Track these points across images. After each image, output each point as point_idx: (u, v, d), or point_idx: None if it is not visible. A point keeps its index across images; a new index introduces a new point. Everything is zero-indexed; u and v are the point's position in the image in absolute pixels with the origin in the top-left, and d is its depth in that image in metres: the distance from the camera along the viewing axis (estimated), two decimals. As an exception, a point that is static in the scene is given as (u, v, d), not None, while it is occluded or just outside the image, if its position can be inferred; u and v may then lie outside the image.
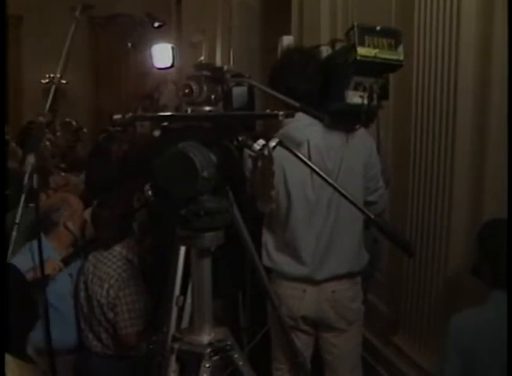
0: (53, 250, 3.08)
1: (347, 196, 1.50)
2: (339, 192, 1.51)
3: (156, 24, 6.66)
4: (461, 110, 2.72)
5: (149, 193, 1.51)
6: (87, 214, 3.49)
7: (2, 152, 2.97)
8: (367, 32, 1.87)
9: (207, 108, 1.57)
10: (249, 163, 2.33)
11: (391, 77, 2.18)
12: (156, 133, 1.56)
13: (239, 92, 1.62)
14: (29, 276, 2.71)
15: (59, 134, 9.20)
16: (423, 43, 2.92)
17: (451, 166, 2.79)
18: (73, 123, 9.17)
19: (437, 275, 2.91)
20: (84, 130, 9.46)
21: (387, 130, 3.31)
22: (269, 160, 1.50)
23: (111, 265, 3.01)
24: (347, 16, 3.95)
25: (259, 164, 2.22)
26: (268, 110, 1.55)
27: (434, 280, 2.93)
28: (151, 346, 2.17)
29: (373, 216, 1.43)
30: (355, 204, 1.51)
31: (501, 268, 2.10)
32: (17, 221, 3.03)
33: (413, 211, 3.07)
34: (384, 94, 2.02)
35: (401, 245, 1.45)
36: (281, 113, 1.45)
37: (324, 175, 1.50)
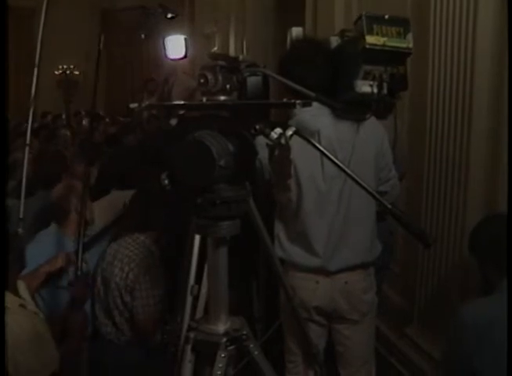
0: (67, 238, 3.09)
1: (365, 185, 1.48)
2: (356, 182, 1.50)
3: (169, 15, 6.64)
4: (477, 101, 2.70)
5: (166, 181, 1.51)
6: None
7: (2, 151, 2.98)
8: (375, 21, 1.85)
9: (222, 98, 1.56)
10: (261, 152, 2.32)
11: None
12: (173, 122, 1.56)
13: (253, 81, 1.61)
14: None
15: (84, 123, 9.34)
16: (439, 34, 2.90)
17: (466, 158, 2.77)
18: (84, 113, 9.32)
19: (452, 266, 2.90)
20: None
21: (403, 121, 3.30)
22: (287, 148, 1.48)
23: (133, 250, 3.02)
24: (362, 8, 3.93)
25: (276, 152, 2.20)
26: (285, 99, 1.54)
27: (449, 272, 2.93)
28: (165, 336, 2.17)
29: (390, 206, 1.42)
30: (371, 193, 1.50)
31: (502, 257, 2.10)
32: (21, 216, 3.07)
33: (428, 203, 3.06)
34: (402, 84, 2.00)
35: (417, 235, 1.44)
36: (299, 101, 1.44)
37: (341, 165, 1.49)
